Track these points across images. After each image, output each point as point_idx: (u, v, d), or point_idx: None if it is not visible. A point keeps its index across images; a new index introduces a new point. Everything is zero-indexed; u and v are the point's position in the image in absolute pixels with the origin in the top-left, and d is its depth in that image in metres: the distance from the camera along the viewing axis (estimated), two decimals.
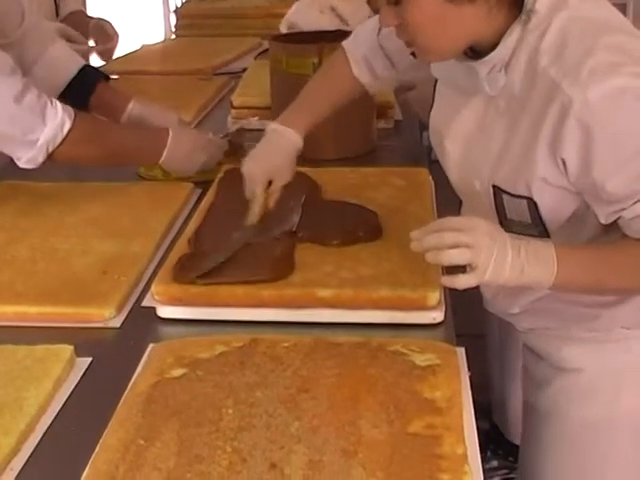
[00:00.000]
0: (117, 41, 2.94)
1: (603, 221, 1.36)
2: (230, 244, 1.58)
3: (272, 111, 2.36)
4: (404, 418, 1.15)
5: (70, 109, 1.86)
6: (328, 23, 3.06)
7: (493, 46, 1.36)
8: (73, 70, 2.22)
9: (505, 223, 1.45)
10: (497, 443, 2.37)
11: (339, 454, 1.09)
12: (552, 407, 1.66)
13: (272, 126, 1.72)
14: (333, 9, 3.11)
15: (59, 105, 1.84)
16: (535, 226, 1.43)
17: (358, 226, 1.66)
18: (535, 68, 1.32)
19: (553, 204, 1.39)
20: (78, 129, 1.85)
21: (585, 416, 1.61)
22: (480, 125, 1.46)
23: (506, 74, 1.37)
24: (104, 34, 2.88)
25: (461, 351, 1.33)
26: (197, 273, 1.49)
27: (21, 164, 1.86)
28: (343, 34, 2.34)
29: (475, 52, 1.40)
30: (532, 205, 1.40)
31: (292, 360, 1.29)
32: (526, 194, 1.39)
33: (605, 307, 1.53)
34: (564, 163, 1.32)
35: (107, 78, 2.30)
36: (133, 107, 2.22)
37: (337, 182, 1.93)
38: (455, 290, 1.40)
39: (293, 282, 1.50)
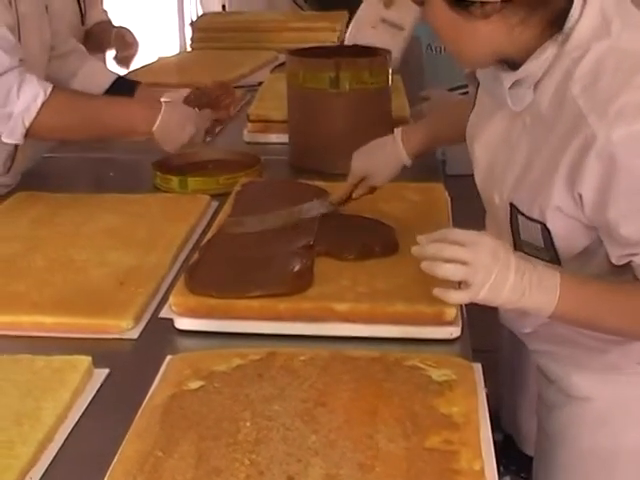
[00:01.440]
0: (137, 49, 2.96)
1: (614, 261, 1.35)
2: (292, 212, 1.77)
3: (288, 125, 2.37)
4: (421, 433, 1.15)
5: (47, 84, 1.93)
6: (385, 35, 3.09)
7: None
8: (108, 81, 2.39)
9: (518, 243, 1.44)
10: (509, 457, 2.36)
11: (356, 468, 1.09)
12: (561, 432, 1.64)
13: (396, 132, 1.82)
14: (384, 20, 3.14)
15: (35, 80, 1.91)
16: (547, 251, 1.41)
17: (375, 241, 1.66)
18: (565, 93, 1.30)
19: (567, 234, 1.38)
20: (54, 100, 1.92)
21: (592, 445, 1.59)
22: (506, 137, 1.45)
23: (535, 92, 1.36)
24: (124, 42, 2.91)
25: (478, 367, 1.34)
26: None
27: (3, 139, 1.93)
28: (360, 49, 2.37)
29: (510, 64, 1.39)
30: (545, 231, 1.38)
31: (309, 374, 1.29)
32: (540, 219, 1.37)
33: (615, 344, 1.50)
34: (581, 198, 1.30)
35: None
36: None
37: None
38: (472, 305, 1.41)
39: (310, 296, 1.50)
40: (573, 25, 1.31)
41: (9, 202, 2.05)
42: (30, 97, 1.89)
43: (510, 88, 1.39)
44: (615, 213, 1.28)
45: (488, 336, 2.06)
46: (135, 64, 3.42)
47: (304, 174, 2.16)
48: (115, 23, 3.07)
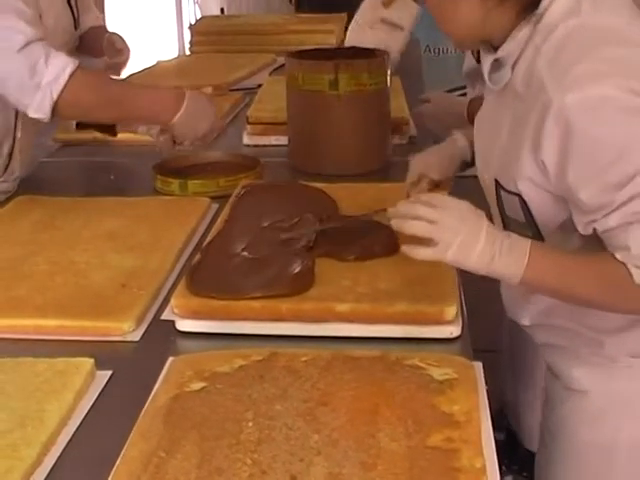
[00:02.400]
0: (128, 55, 2.93)
1: (581, 231, 1.36)
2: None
3: (288, 127, 2.38)
4: (422, 432, 1.16)
5: (74, 59, 1.94)
6: (385, 35, 3.11)
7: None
8: None
9: (506, 221, 1.48)
10: (511, 457, 2.37)
11: (358, 467, 1.09)
12: (562, 426, 1.65)
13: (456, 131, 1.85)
14: (383, 20, 3.15)
15: (63, 54, 1.92)
16: (529, 226, 1.44)
17: (375, 241, 1.67)
18: (533, 68, 1.35)
19: (541, 206, 1.41)
20: (82, 73, 1.92)
21: (591, 439, 1.60)
22: (493, 119, 1.50)
23: (512, 71, 1.40)
24: (114, 49, 2.88)
25: (478, 365, 1.34)
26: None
27: (31, 113, 1.92)
28: (358, 50, 2.37)
29: (494, 47, 1.44)
30: (523, 203, 1.41)
31: (311, 374, 1.30)
32: (516, 191, 1.41)
33: (609, 334, 1.52)
34: (544, 165, 1.33)
35: None
36: None
37: (353, 197, 1.94)
38: (474, 306, 1.42)
39: (311, 296, 1.51)
40: (547, 6, 1.35)
41: (10, 206, 2.06)
42: (59, 67, 1.89)
43: (492, 70, 1.43)
44: (574, 177, 1.30)
45: (489, 336, 2.06)
46: (134, 68, 3.42)
47: (304, 176, 2.17)
48: (114, 27, 3.05)
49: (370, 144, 2.27)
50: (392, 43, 2.89)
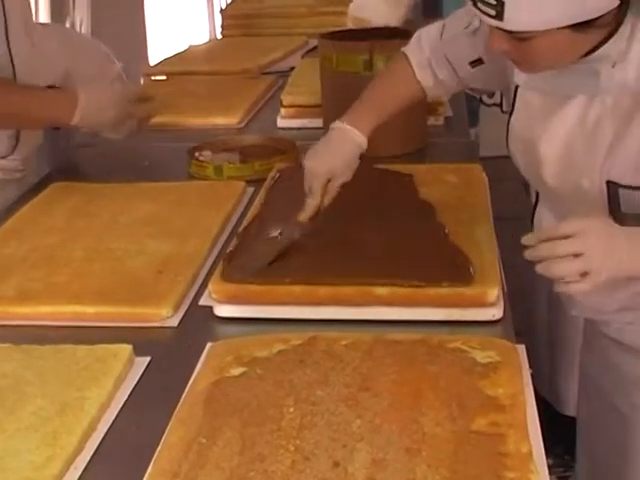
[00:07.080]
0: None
1: None
2: (277, 242, 1.57)
3: (323, 109, 2.36)
4: (467, 416, 1.14)
5: None
6: (387, 8, 3.12)
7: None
8: None
9: (618, 217, 1.42)
10: (552, 441, 2.34)
11: (402, 452, 1.08)
12: None
13: (337, 124, 1.68)
14: None
15: None
16: None
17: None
18: None
19: None
20: None
21: None
22: (582, 125, 1.43)
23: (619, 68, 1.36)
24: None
25: (522, 348, 1.32)
26: (247, 274, 1.50)
27: None
28: (393, 30, 2.35)
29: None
30: None
31: (352, 358, 1.28)
32: None
33: None
34: None
35: None
36: None
37: None
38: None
39: (350, 280, 1.48)
40: None
41: (45, 193, 2.05)
42: None
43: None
44: None
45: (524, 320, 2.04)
46: (166, 53, 3.42)
47: None
48: (147, 13, 2.95)
49: (406, 126, 2.23)
50: (392, 16, 2.95)
